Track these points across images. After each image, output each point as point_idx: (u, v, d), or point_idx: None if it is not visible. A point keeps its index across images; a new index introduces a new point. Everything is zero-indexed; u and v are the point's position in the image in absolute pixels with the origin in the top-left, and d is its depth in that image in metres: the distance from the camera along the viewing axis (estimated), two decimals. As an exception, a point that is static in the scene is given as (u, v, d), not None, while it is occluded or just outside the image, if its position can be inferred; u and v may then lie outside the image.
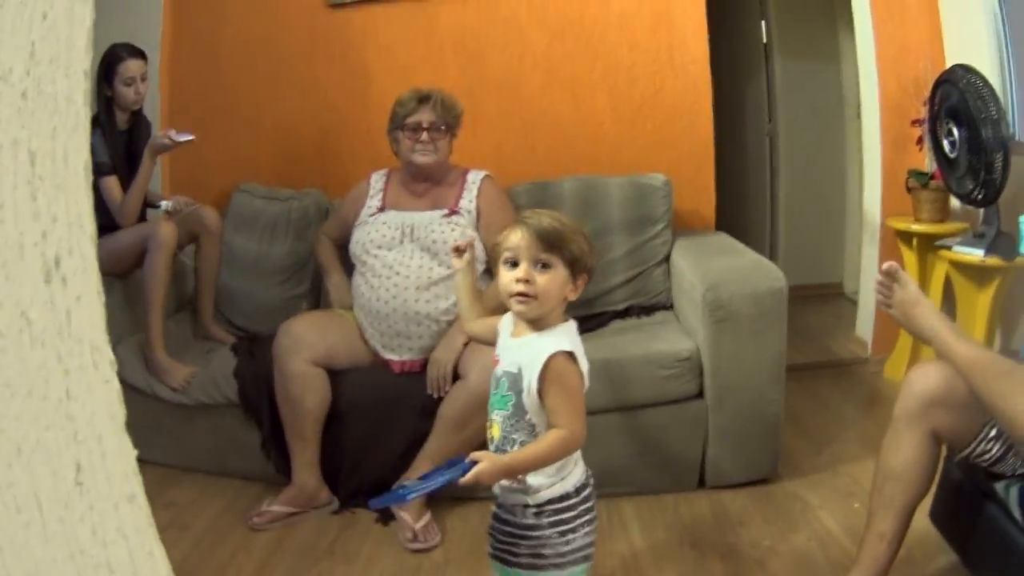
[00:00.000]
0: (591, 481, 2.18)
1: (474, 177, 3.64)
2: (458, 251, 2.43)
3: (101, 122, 3.62)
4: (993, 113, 3.66)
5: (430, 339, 3.35)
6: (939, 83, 4.00)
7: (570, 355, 2.04)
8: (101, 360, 1.03)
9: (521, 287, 2.05)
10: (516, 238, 2.07)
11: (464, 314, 2.45)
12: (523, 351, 2.08)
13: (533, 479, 2.06)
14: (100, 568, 0.98)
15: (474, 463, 1.97)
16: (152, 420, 3.63)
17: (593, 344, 3.38)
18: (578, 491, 2.11)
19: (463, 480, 1.96)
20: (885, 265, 2.42)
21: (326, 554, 3.09)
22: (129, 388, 3.54)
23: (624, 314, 3.94)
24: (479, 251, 3.40)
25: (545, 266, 2.06)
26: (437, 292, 3.34)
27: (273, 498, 3.33)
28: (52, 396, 0.98)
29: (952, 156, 3.89)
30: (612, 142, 4.34)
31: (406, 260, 3.38)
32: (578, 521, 2.09)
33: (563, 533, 2.07)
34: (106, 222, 3.61)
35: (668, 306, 3.98)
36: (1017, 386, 2.04)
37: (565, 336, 2.08)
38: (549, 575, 2.09)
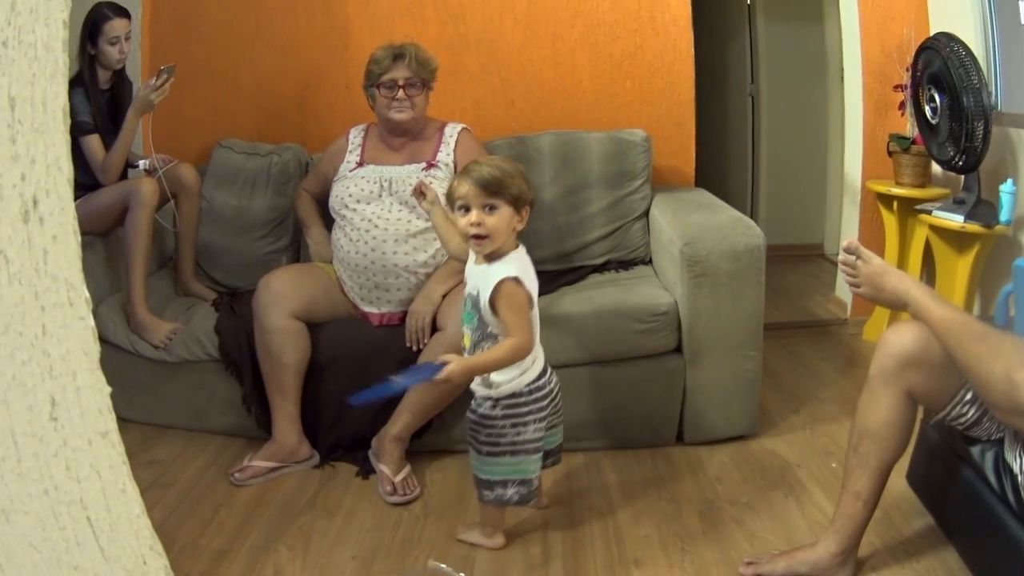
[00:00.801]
0: (548, 384, 2.69)
1: (451, 130, 3.64)
2: (420, 194, 2.93)
3: (84, 81, 3.59)
4: (975, 82, 3.67)
5: (408, 291, 3.36)
6: (922, 49, 4.01)
7: (516, 280, 2.50)
8: (76, 298, 1.04)
9: (475, 230, 2.53)
10: (464, 189, 2.52)
11: (445, 242, 2.91)
12: (480, 277, 2.58)
13: (496, 376, 2.59)
14: (73, 504, 0.99)
15: (445, 364, 2.48)
16: (134, 379, 3.63)
17: (571, 298, 3.42)
18: (531, 391, 2.62)
19: (438, 377, 2.46)
20: (845, 242, 2.44)
21: (307, 508, 3.10)
22: (111, 347, 3.57)
23: (602, 268, 3.95)
24: None
25: (492, 208, 2.52)
26: (415, 244, 3.35)
27: (254, 453, 3.33)
28: (28, 332, 0.98)
29: (933, 122, 3.90)
30: (591, 99, 4.33)
31: (385, 213, 3.38)
32: (529, 416, 2.63)
33: (515, 425, 2.62)
34: (88, 181, 3.60)
35: (647, 261, 3.99)
36: (990, 349, 2.04)
37: (514, 263, 2.55)
38: (504, 460, 2.65)
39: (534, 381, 2.62)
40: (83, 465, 1.02)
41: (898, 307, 2.34)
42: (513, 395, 2.60)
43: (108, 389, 1.05)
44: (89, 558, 1.01)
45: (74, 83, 3.55)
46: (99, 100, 3.64)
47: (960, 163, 3.84)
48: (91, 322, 1.03)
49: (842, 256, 2.44)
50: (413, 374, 2.60)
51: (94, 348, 1.05)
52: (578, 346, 3.33)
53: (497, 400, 2.61)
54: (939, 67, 3.81)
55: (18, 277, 0.97)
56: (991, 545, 2.33)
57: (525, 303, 2.52)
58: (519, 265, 2.55)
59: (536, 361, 2.65)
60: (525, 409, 2.61)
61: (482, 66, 4.33)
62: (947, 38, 3.83)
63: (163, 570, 1.20)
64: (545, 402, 2.65)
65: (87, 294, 1.02)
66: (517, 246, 2.62)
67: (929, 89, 3.91)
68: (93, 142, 3.57)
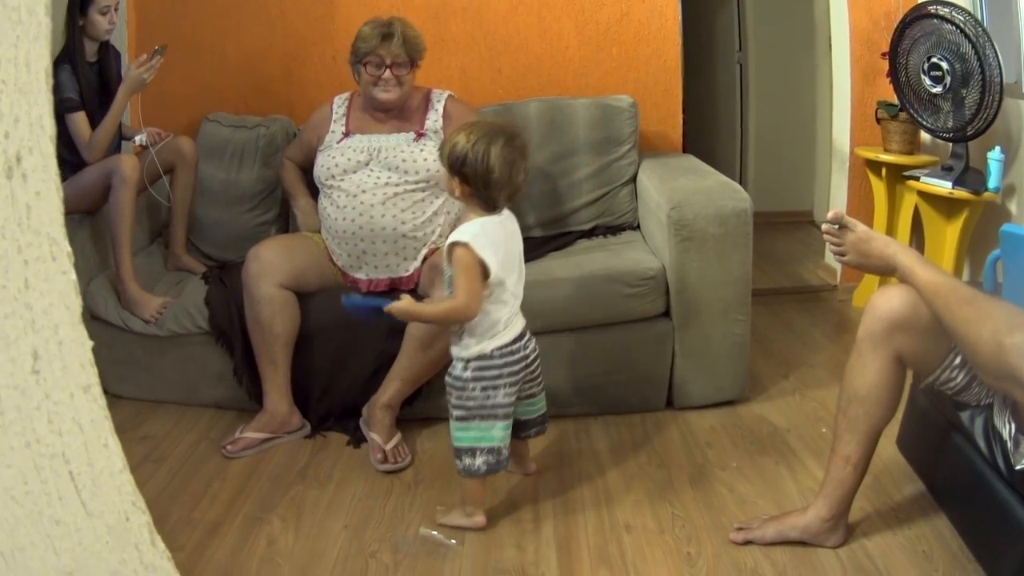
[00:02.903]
0: (522, 350, 2.68)
1: (438, 96, 3.64)
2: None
3: (71, 56, 3.56)
4: (990, 52, 3.64)
5: (395, 256, 3.36)
6: (917, 17, 3.96)
7: (465, 245, 2.51)
8: (59, 252, 1.04)
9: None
10: None
11: None
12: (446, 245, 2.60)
13: (468, 337, 2.63)
14: (55, 458, 0.99)
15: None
16: (125, 354, 3.63)
17: (558, 263, 3.43)
18: (502, 355, 2.63)
19: (387, 308, 2.58)
20: (829, 213, 2.42)
21: (299, 478, 3.11)
22: (102, 323, 3.58)
23: (590, 234, 3.95)
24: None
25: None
26: (402, 206, 3.34)
27: (245, 425, 3.34)
28: (11, 286, 0.98)
29: (935, 91, 3.86)
30: (578, 66, 4.33)
31: (372, 179, 3.37)
32: (499, 380, 2.64)
33: (484, 388, 2.63)
34: (74, 159, 3.59)
35: (635, 226, 4.00)
36: (978, 313, 2.04)
37: (468, 229, 2.56)
38: (474, 424, 2.66)
39: (506, 345, 2.64)
40: (65, 419, 1.02)
41: (886, 272, 2.35)
42: (481, 357, 2.62)
43: (90, 343, 1.04)
44: (71, 513, 1.01)
45: (60, 60, 3.53)
46: (87, 74, 3.62)
47: (970, 133, 3.82)
48: (73, 276, 1.03)
49: (826, 226, 2.44)
50: (370, 299, 2.80)
51: (76, 302, 1.05)
52: (567, 311, 3.33)
53: (467, 361, 2.63)
54: (949, 35, 3.77)
55: (1, 231, 0.97)
56: (981, 511, 2.35)
57: (469, 268, 2.53)
58: (472, 231, 2.55)
59: (510, 327, 2.66)
60: (494, 372, 2.63)
61: (468, 34, 4.31)
62: (952, 6, 3.78)
63: (145, 527, 1.20)
64: (517, 367, 2.66)
65: (69, 248, 1.02)
66: (484, 215, 2.63)
67: (931, 58, 3.86)
68: (79, 119, 3.55)
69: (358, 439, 3.32)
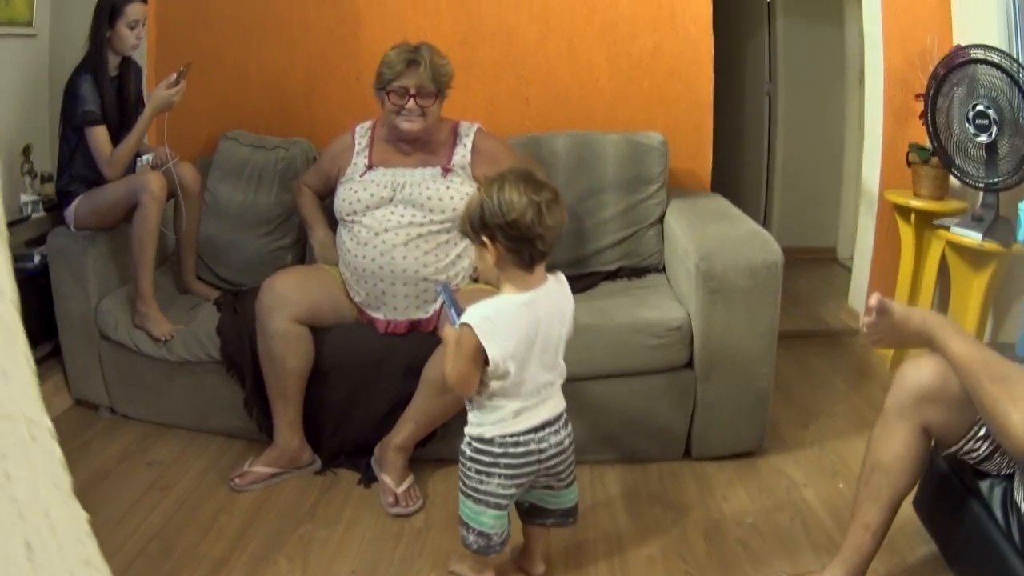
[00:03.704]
0: (532, 444, 2.45)
1: (466, 130, 3.53)
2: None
3: (94, 67, 3.53)
4: None
5: (415, 299, 3.29)
6: (962, 63, 3.85)
7: (470, 327, 2.33)
8: (38, 431, 0.98)
9: None
10: None
11: None
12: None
13: (473, 413, 2.49)
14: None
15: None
16: (135, 376, 3.63)
17: (582, 308, 3.33)
18: (503, 444, 2.43)
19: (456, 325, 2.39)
20: (871, 301, 2.27)
21: (308, 516, 3.07)
22: (113, 344, 3.59)
23: (615, 275, 3.90)
24: None
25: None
26: (425, 248, 3.27)
27: (255, 458, 3.30)
28: (-9, 483, 0.93)
29: (983, 140, 3.76)
30: (608, 98, 4.27)
31: (395, 217, 3.29)
32: (494, 469, 2.44)
33: (478, 472, 2.46)
34: (92, 176, 3.58)
35: (660, 268, 3.94)
36: (1009, 393, 1.99)
37: (480, 309, 2.37)
38: (467, 503, 2.50)
39: (512, 435, 2.44)
40: None
41: (921, 346, 2.29)
42: (481, 439, 2.46)
43: (84, 515, 0.99)
44: None
45: (82, 70, 3.52)
46: (108, 88, 3.59)
47: (1012, 184, 3.72)
48: (57, 451, 0.98)
49: (865, 320, 2.30)
50: (454, 305, 2.49)
51: (64, 479, 1.00)
52: (589, 360, 3.27)
53: (469, 439, 2.50)
54: (995, 81, 3.67)
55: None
56: (995, 580, 2.30)
57: (465, 350, 2.35)
58: (488, 313, 2.37)
59: (523, 418, 2.44)
60: (490, 459, 2.44)
61: (496, 62, 4.27)
62: (996, 51, 3.68)
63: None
64: (520, 460, 2.45)
65: (49, 423, 0.97)
66: (508, 291, 2.43)
67: (976, 106, 3.77)
68: (100, 134, 3.51)
69: (369, 478, 3.28)
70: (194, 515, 3.05)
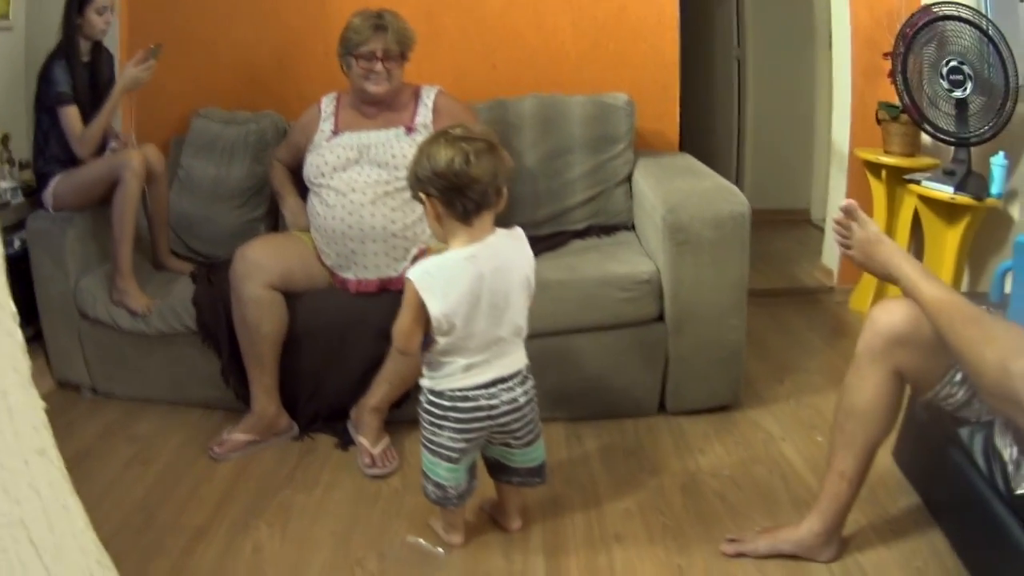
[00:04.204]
0: (482, 400, 2.45)
1: (427, 93, 3.60)
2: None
3: (67, 53, 3.55)
4: (1011, 56, 3.58)
5: (385, 256, 3.32)
6: (931, 20, 3.87)
7: (411, 281, 2.35)
8: (2, 314, 0.99)
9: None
10: None
11: None
12: None
13: (424, 366, 2.52)
14: (14, 526, 0.94)
15: None
16: (114, 353, 3.64)
17: (551, 264, 3.39)
18: (451, 398, 2.44)
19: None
20: (843, 203, 2.38)
21: (286, 482, 3.08)
22: (91, 322, 3.61)
23: (584, 234, 3.92)
24: None
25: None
26: (392, 205, 3.30)
27: (233, 427, 3.31)
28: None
29: (959, 96, 3.78)
30: (574, 61, 4.29)
31: (362, 178, 3.33)
32: (444, 422, 2.46)
33: (431, 424, 2.49)
34: (67, 156, 3.59)
35: (629, 226, 3.96)
36: (983, 334, 2.01)
37: (423, 264, 2.40)
38: (425, 453, 2.55)
39: (461, 390, 2.44)
40: (21, 486, 0.97)
41: (886, 279, 2.30)
42: (432, 392, 2.48)
43: (42, 404, 1.00)
44: None
45: (56, 55, 3.54)
46: (80, 72, 3.60)
47: (987, 137, 3.76)
48: (19, 337, 0.98)
49: (837, 216, 2.38)
50: None
51: (24, 364, 1.00)
52: (559, 314, 3.30)
53: (423, 390, 2.52)
54: (966, 39, 3.71)
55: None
56: (978, 530, 2.32)
57: (408, 304, 2.38)
58: (429, 269, 2.38)
59: (473, 373, 2.44)
60: (440, 412, 2.46)
61: (462, 29, 4.28)
62: (967, 8, 3.72)
63: (112, 583, 1.16)
64: (469, 415, 2.45)
65: (13, 308, 0.97)
66: (457, 248, 2.40)
67: (950, 61, 3.79)
68: (71, 114, 3.53)
69: (346, 442, 3.30)
70: (175, 486, 3.06)
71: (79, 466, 3.18)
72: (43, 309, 3.68)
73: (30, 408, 1.00)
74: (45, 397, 1.07)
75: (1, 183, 3.90)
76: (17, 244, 3.72)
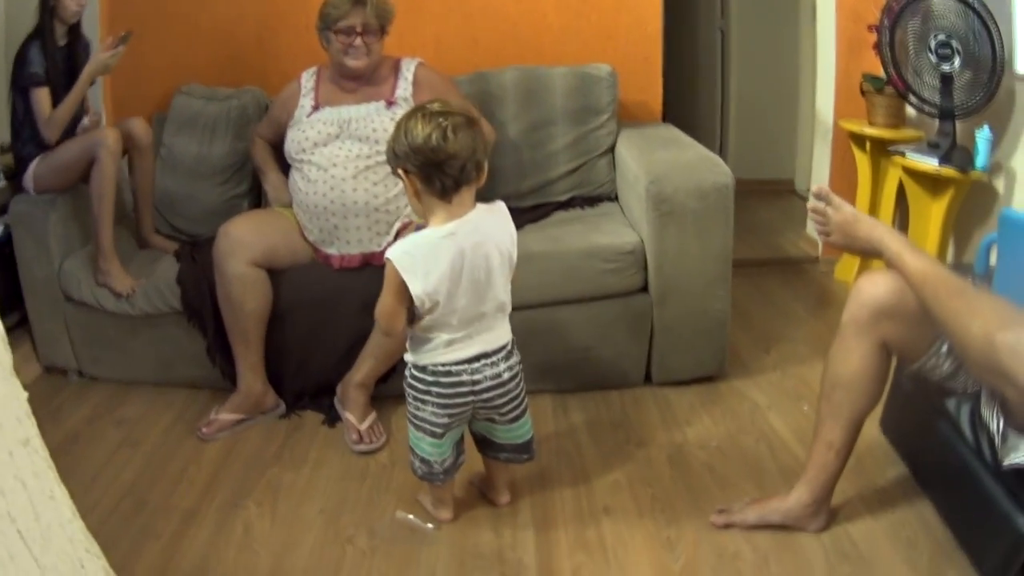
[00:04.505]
0: (464, 376, 2.45)
1: (407, 65, 3.58)
2: None
3: (42, 35, 3.52)
4: (996, 32, 3.58)
5: (368, 231, 3.32)
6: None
7: (391, 261, 2.33)
8: None
9: None
10: None
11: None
12: None
13: (408, 340, 2.52)
14: (1, 519, 0.93)
15: None
16: (99, 335, 3.62)
17: (534, 236, 3.38)
18: (433, 373, 2.44)
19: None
20: (814, 187, 2.38)
21: (274, 460, 3.09)
22: (76, 304, 3.59)
23: (567, 205, 3.92)
24: None
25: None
26: (373, 179, 3.30)
27: (220, 406, 3.31)
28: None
29: (946, 70, 3.77)
30: (556, 34, 4.26)
31: (343, 152, 3.33)
32: (426, 397, 2.47)
33: (415, 398, 2.50)
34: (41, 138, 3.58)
35: (613, 197, 3.96)
36: (968, 306, 2.00)
37: (401, 244, 2.38)
38: (411, 428, 2.57)
39: (443, 365, 2.44)
40: (6, 477, 0.96)
41: (871, 256, 2.29)
42: (416, 366, 2.48)
43: (24, 394, 0.98)
44: (24, 571, 0.96)
45: (31, 37, 3.51)
46: (55, 56, 3.57)
47: (973, 110, 3.76)
48: (0, 330, 0.97)
49: (811, 203, 2.39)
50: None
51: (6, 356, 0.99)
52: (543, 286, 3.30)
53: (407, 364, 2.53)
54: (952, 14, 3.69)
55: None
56: (966, 500, 2.32)
57: (388, 284, 2.37)
58: (407, 248, 2.36)
59: (455, 348, 2.44)
60: (422, 387, 2.47)
61: (443, 2, 4.25)
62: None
63: (102, 571, 1.15)
64: (451, 391, 2.45)
65: None
66: (446, 202, 2.36)
67: (938, 35, 3.78)
68: (41, 95, 3.50)
69: (333, 418, 3.31)
70: (164, 468, 3.06)
71: (68, 451, 3.18)
72: (28, 293, 3.66)
73: (13, 399, 0.98)
74: (32, 383, 1.07)
75: (-18, 167, 3.89)
76: (0, 229, 3.70)
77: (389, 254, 2.34)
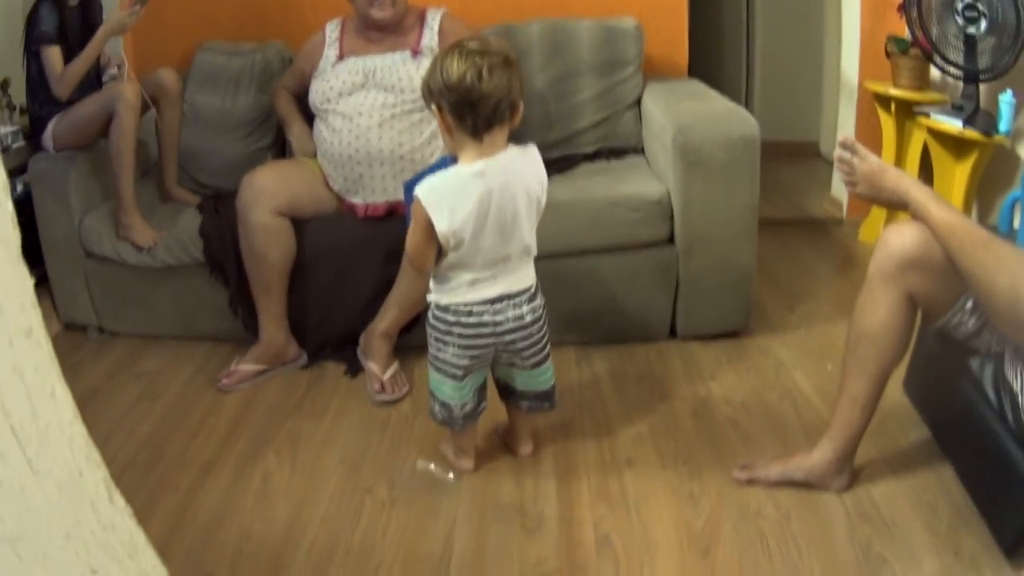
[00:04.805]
0: (486, 316, 2.44)
1: (432, 15, 3.56)
2: None
3: None
4: None
5: (393, 179, 3.29)
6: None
7: (418, 199, 2.31)
8: None
9: None
10: None
11: None
12: None
13: (431, 281, 2.51)
14: (-8, 413, 0.89)
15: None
16: (121, 290, 3.63)
17: (560, 186, 3.35)
18: (455, 312, 2.44)
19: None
20: (841, 137, 2.36)
21: (295, 411, 3.08)
22: (97, 260, 3.60)
23: (593, 157, 3.89)
24: None
25: None
26: (399, 128, 3.28)
27: (241, 357, 3.31)
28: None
29: (971, 32, 3.72)
30: (582, -15, 4.22)
31: (368, 101, 3.30)
32: (448, 338, 2.47)
33: (435, 339, 2.51)
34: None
35: (639, 150, 3.93)
36: (995, 259, 2.00)
37: (429, 180, 2.33)
38: (432, 372, 2.58)
39: (464, 304, 2.43)
40: (3, 368, 0.91)
41: (897, 207, 2.28)
42: (438, 306, 2.48)
43: (31, 281, 0.94)
44: (14, 472, 0.91)
45: (42, 0, 3.51)
46: (70, 16, 3.57)
47: (998, 74, 3.70)
48: (9, 207, 0.92)
49: (838, 152, 2.37)
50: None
51: (14, 236, 0.94)
52: (568, 235, 3.29)
53: (430, 305, 2.52)
54: None
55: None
56: (987, 464, 2.29)
57: (416, 221, 2.35)
58: (435, 184, 2.33)
59: (478, 288, 2.43)
60: (444, 327, 2.47)
61: (468, -45, 4.19)
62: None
63: (102, 482, 1.11)
64: (472, 331, 2.45)
65: (4, 177, 0.91)
66: (477, 142, 2.34)
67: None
68: (52, 53, 3.49)
69: (355, 369, 3.30)
70: (183, 421, 3.06)
71: (86, 407, 3.09)
72: (48, 251, 3.66)
73: (17, 283, 0.94)
74: (52, 340, 1.02)
75: (1, 128, 3.87)
76: (19, 188, 3.70)
77: (417, 190, 2.32)
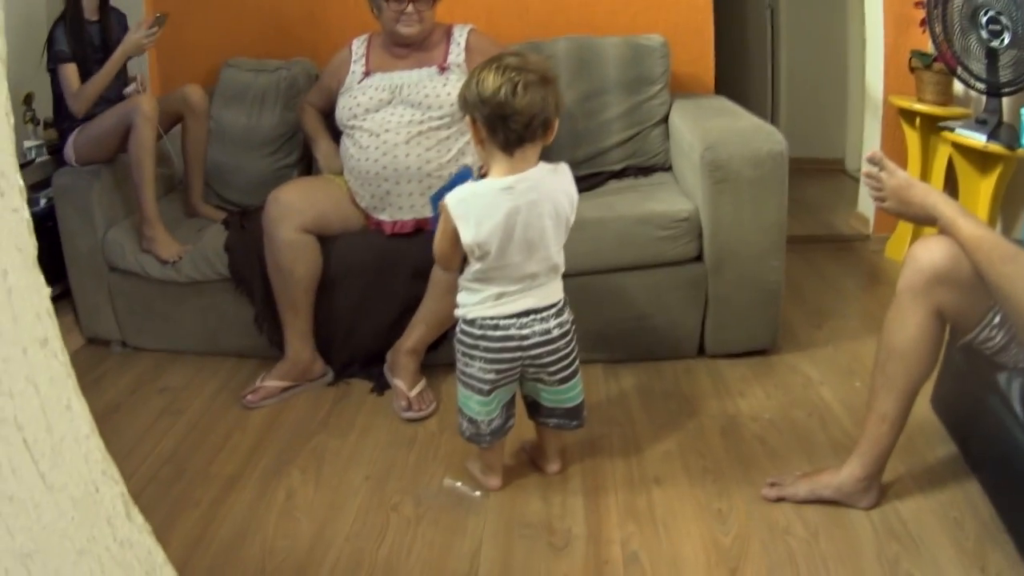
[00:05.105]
0: (513, 330, 2.43)
1: (459, 32, 3.56)
2: None
3: (71, 14, 3.57)
4: None
5: (420, 197, 3.28)
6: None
7: (446, 205, 2.35)
8: (8, 187, 0.91)
9: None
10: None
11: None
12: None
13: (459, 294, 2.52)
14: (6, 424, 0.85)
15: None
16: (144, 304, 3.63)
17: (588, 203, 3.31)
18: (482, 327, 2.44)
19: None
20: (868, 153, 2.35)
21: (320, 428, 3.07)
22: (121, 274, 3.60)
23: (621, 174, 3.88)
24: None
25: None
26: (426, 144, 3.26)
27: (267, 373, 3.30)
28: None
29: (994, 45, 3.70)
30: (607, 4, 4.21)
31: (395, 118, 3.29)
32: (475, 352, 2.47)
33: (463, 354, 2.51)
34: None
35: (666, 167, 3.92)
36: (1021, 270, 2.00)
37: (459, 191, 2.37)
38: (460, 388, 2.58)
39: (491, 319, 2.44)
40: (17, 378, 0.88)
41: (925, 222, 2.27)
42: (465, 320, 2.49)
43: (47, 290, 0.92)
44: (27, 486, 0.88)
45: (60, 16, 3.57)
46: (87, 32, 3.62)
47: (1019, 87, 3.67)
48: (26, 214, 0.90)
49: (865, 168, 2.36)
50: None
51: (29, 243, 0.92)
52: (596, 253, 3.27)
53: (458, 320, 2.53)
54: None
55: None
56: (1014, 481, 2.27)
57: (443, 227, 2.41)
58: (464, 196, 2.36)
59: (505, 302, 2.44)
60: (470, 341, 2.47)
61: (495, -30, 4.21)
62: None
63: (119, 498, 1.08)
64: (498, 345, 2.45)
65: (21, 183, 0.89)
66: (508, 156, 2.35)
67: (988, 11, 3.69)
68: (68, 71, 3.55)
69: (382, 386, 3.29)
70: (206, 436, 3.05)
71: (108, 421, 3.17)
72: (71, 265, 3.67)
73: (33, 292, 0.91)
74: (73, 354, 1.00)
75: (25, 142, 3.90)
76: (43, 202, 3.72)
77: (447, 198, 2.34)
